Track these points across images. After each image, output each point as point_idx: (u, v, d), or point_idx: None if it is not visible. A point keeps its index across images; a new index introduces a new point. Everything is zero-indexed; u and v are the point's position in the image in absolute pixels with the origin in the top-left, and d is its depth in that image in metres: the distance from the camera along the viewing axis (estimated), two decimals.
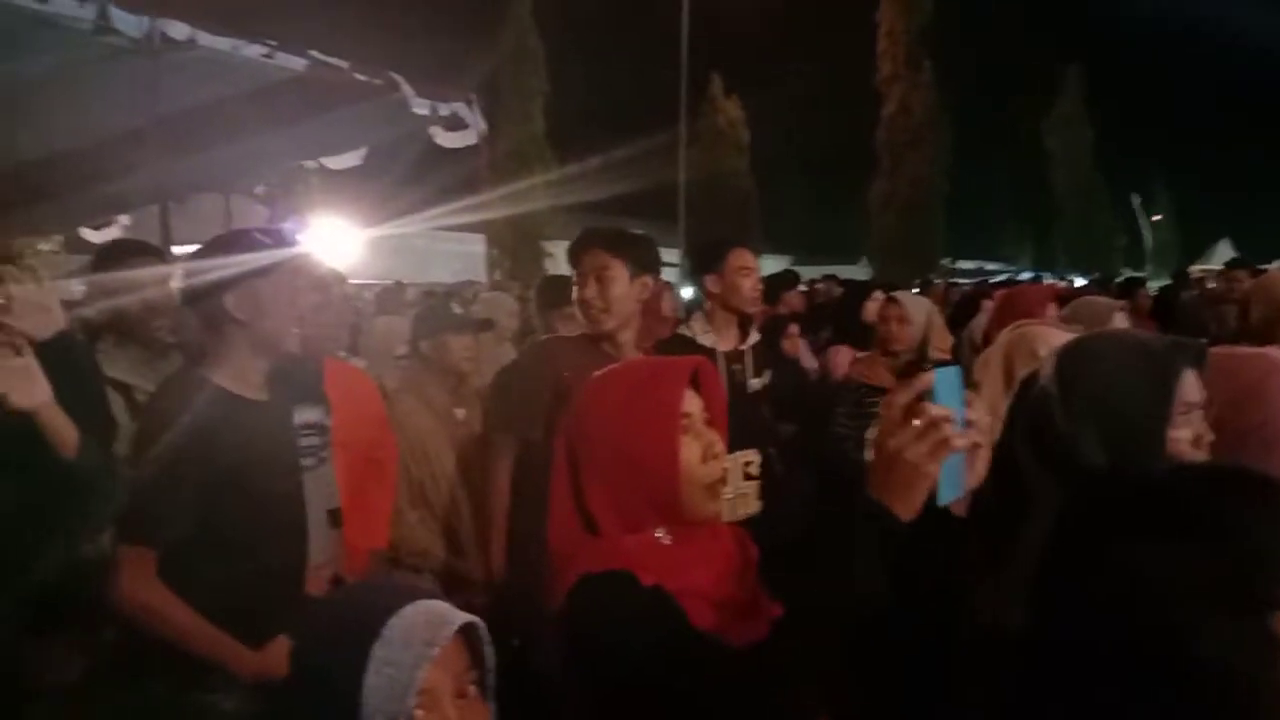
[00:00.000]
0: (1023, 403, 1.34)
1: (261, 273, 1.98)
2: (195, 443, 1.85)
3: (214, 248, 2.06)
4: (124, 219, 9.29)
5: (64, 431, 1.59)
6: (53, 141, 6.34)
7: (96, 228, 9.24)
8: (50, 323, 1.81)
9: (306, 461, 2.34)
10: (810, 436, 3.70)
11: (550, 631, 1.25)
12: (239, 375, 2.00)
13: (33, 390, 1.55)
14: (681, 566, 1.26)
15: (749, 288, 3.16)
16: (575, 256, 2.67)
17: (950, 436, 1.04)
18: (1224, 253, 23.93)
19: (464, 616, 1.03)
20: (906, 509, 1.04)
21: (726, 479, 1.34)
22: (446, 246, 18.27)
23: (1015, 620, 1.04)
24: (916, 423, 1.05)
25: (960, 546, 1.11)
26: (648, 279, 2.63)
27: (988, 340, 3.02)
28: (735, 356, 3.16)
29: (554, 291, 3.79)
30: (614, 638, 1.17)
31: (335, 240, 9.43)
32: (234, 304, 1.97)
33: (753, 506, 2.92)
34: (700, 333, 3.17)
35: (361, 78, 6.21)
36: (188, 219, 7.87)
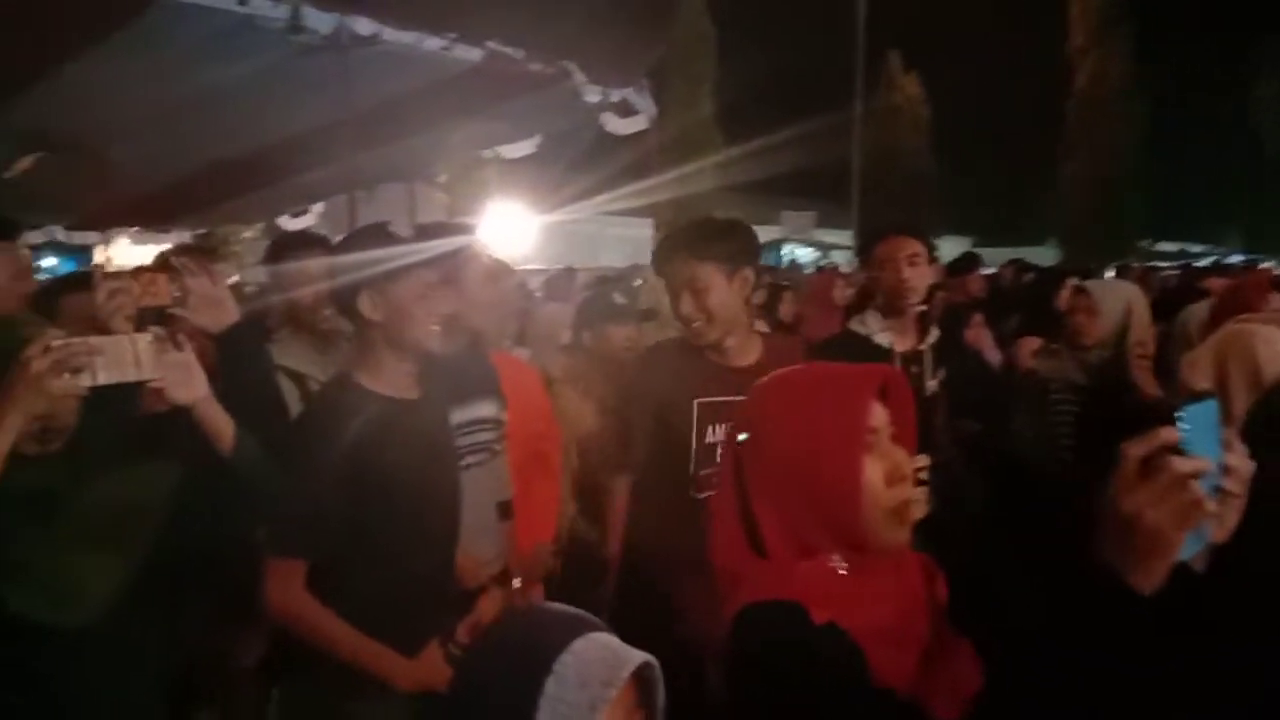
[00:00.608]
0: (1267, 418, 1.16)
1: (393, 273, 1.91)
2: (340, 450, 1.83)
3: (350, 244, 2.02)
4: (317, 207, 9.86)
5: (221, 426, 1.60)
6: (253, 136, 6.74)
7: (293, 216, 9.85)
8: (224, 316, 1.86)
9: (478, 456, 2.34)
10: (993, 435, 3.43)
11: (714, 659, 1.15)
12: (386, 375, 1.96)
13: (191, 384, 1.56)
14: (860, 600, 1.13)
15: (890, 280, 2.86)
16: (660, 268, 2.42)
17: (1201, 498, 0.85)
18: None
19: (639, 656, 0.96)
20: (1147, 581, 0.86)
21: (912, 503, 1.20)
22: (616, 231, 18.47)
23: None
24: (1159, 480, 0.86)
25: (1201, 606, 0.93)
26: (747, 272, 2.34)
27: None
28: (913, 357, 2.89)
29: None
30: (780, 680, 1.06)
31: (510, 227, 9.67)
32: (367, 305, 1.92)
33: (920, 512, 2.75)
34: (876, 330, 2.91)
35: (535, 67, 6.30)
36: (374, 207, 8.26)
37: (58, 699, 1.52)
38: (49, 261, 9.86)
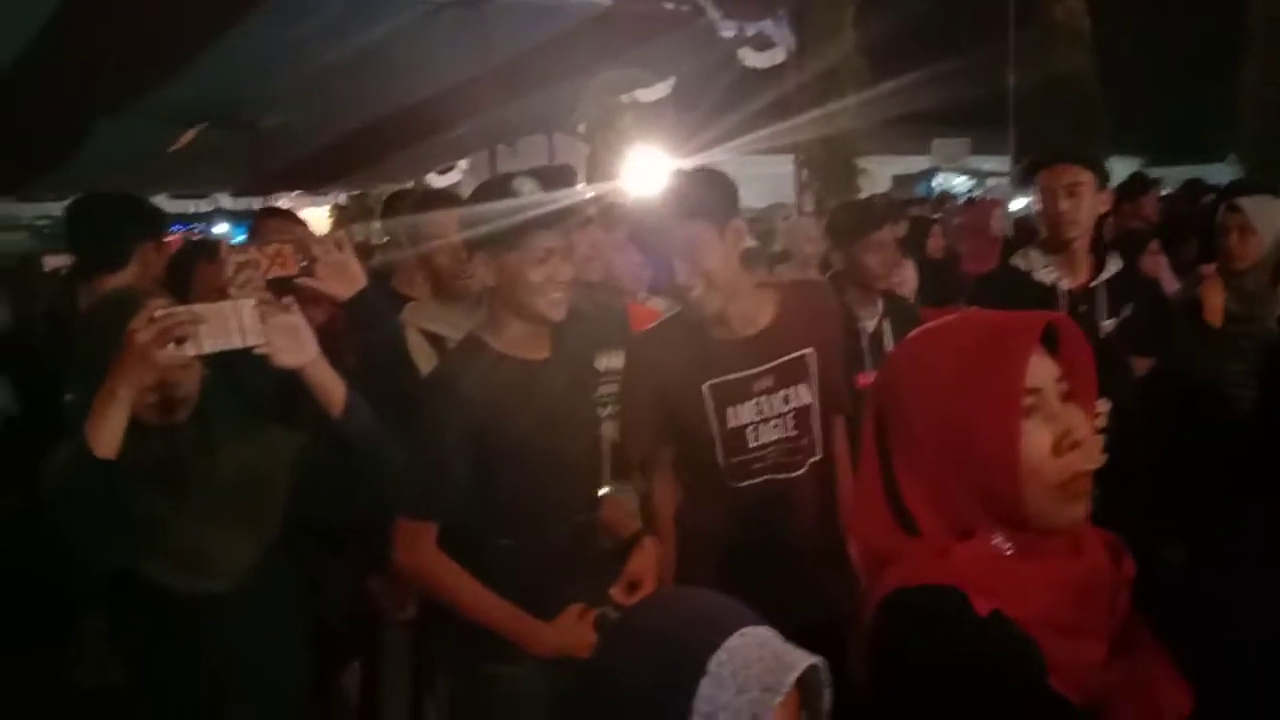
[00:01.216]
0: None
1: (507, 237, 1.83)
2: (465, 411, 1.79)
3: (473, 198, 1.95)
4: (463, 163, 10.05)
5: (331, 390, 1.58)
6: (397, 97, 6.89)
7: (440, 173, 10.07)
8: (352, 283, 1.87)
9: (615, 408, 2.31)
10: (1170, 378, 3.11)
11: (855, 649, 1.04)
12: (511, 335, 1.91)
13: (298, 348, 1.54)
14: (1031, 586, 0.98)
15: (1053, 213, 2.65)
16: (644, 237, 2.14)
17: None
18: None
19: (804, 658, 0.87)
20: None
21: (1087, 475, 1.03)
22: (755, 170, 18.05)
23: None
24: None
25: None
26: (736, 223, 2.06)
27: None
28: (1082, 295, 2.65)
29: (851, 220, 3.20)
30: (937, 675, 0.93)
31: (651, 172, 9.60)
32: (481, 268, 1.87)
33: (1096, 461, 2.54)
34: (1038, 267, 2.69)
35: (669, 5, 6.18)
36: (516, 160, 8.35)
37: (202, 661, 1.57)
38: (220, 228, 10.46)
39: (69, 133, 5.53)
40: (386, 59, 6.02)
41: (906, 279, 4.90)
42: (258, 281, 1.72)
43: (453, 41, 5.76)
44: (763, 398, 2.06)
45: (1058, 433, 1.02)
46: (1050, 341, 1.06)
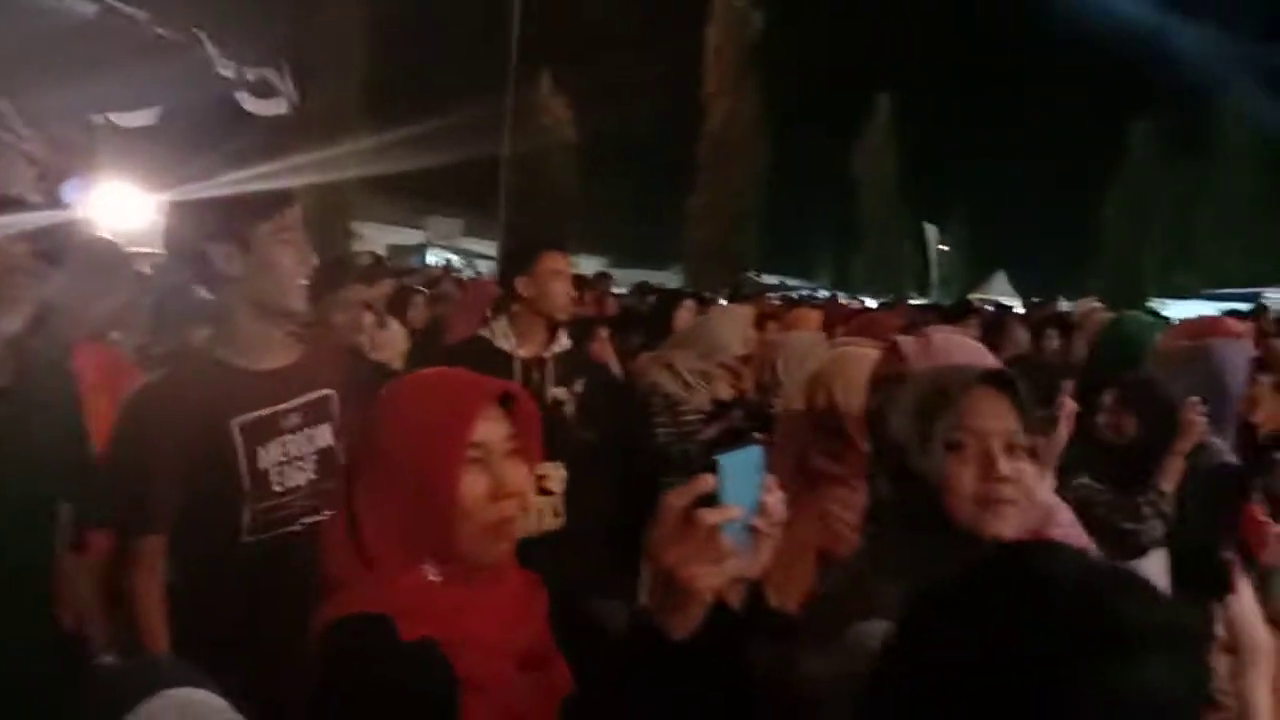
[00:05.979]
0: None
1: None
2: None
3: None
4: None
5: None
6: None
7: None
8: None
9: None
10: (616, 446, 3.58)
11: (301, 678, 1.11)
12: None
13: None
14: (457, 612, 1.13)
15: (561, 293, 3.02)
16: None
17: (727, 548, 0.90)
18: (1000, 284, 25.88)
19: None
20: (681, 627, 0.92)
21: (516, 519, 1.21)
22: None
23: None
24: (694, 534, 0.89)
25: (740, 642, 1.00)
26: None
27: None
28: (536, 364, 3.00)
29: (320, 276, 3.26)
30: (360, 702, 1.04)
31: (120, 204, 8.72)
32: None
33: (549, 522, 2.82)
34: (500, 336, 3.01)
35: (160, 31, 5.80)
36: None
37: None
38: None
39: None
40: None
41: (394, 341, 5.06)
42: None
43: None
44: (289, 436, 1.96)
45: (495, 483, 1.17)
46: (510, 405, 1.23)
